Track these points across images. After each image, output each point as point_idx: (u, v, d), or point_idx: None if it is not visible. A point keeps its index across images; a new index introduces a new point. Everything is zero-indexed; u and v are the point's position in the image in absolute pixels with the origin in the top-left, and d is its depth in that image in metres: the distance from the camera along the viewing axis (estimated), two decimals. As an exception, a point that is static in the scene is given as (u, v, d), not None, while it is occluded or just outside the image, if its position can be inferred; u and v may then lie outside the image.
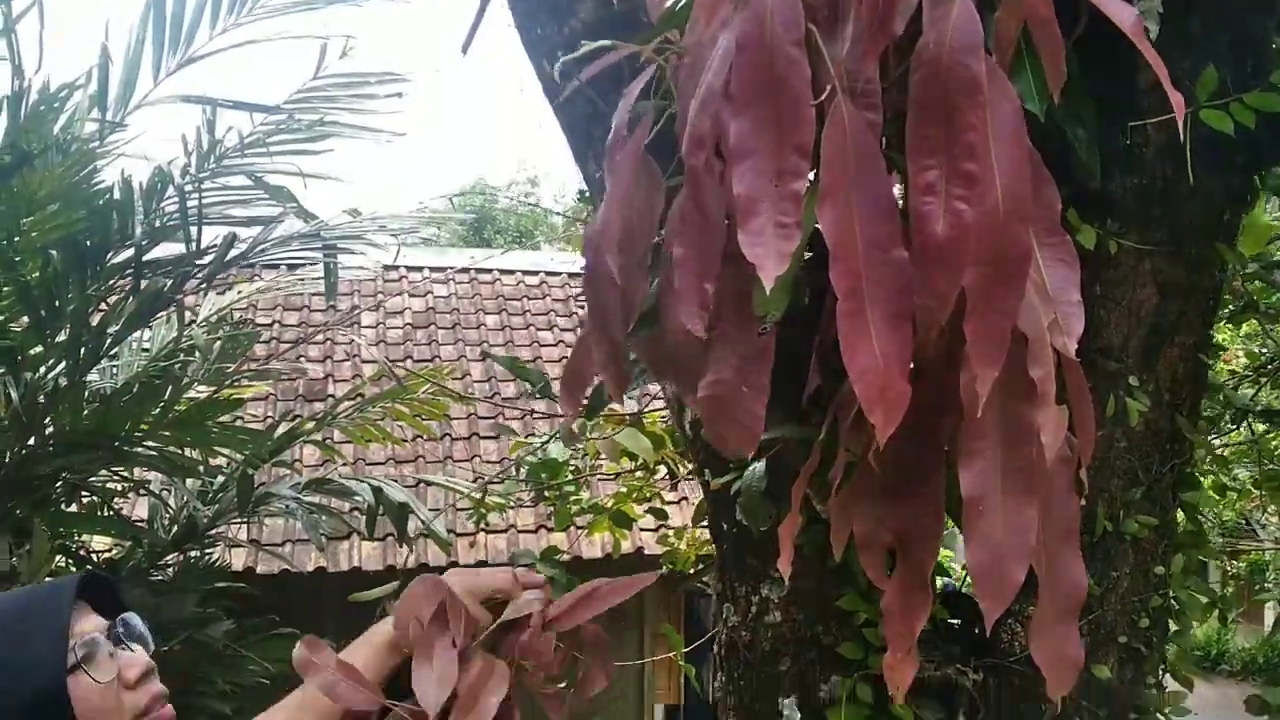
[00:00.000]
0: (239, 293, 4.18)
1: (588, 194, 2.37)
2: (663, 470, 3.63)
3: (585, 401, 1.20)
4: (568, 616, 1.23)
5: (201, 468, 3.37)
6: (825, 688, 1.59)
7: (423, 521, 3.47)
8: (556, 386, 1.24)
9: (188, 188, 3.08)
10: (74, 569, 3.22)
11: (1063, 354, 0.96)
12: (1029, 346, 0.95)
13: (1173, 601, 1.75)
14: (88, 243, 2.98)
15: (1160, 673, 1.75)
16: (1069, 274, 0.99)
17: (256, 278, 4.83)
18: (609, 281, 1.06)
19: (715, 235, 0.96)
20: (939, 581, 1.64)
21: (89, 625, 1.37)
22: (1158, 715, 1.70)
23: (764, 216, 0.89)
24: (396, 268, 9.21)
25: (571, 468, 3.65)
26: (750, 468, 1.36)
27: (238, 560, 6.09)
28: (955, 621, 1.65)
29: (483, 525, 5.95)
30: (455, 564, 3.37)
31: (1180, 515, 1.80)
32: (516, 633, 1.23)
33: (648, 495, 3.80)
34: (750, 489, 1.32)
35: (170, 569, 3.51)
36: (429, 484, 6.07)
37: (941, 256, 0.88)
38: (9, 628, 1.36)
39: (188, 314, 3.65)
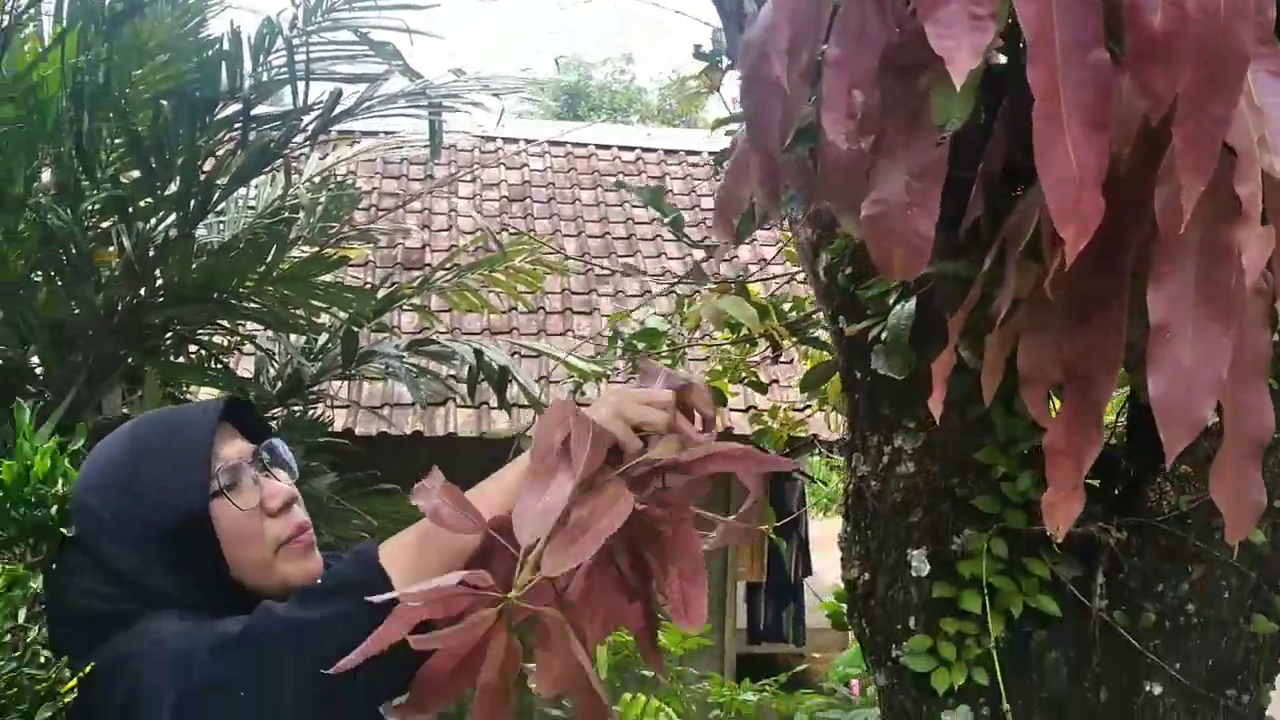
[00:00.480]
0: (341, 154, 4.19)
1: (703, 49, 2.29)
2: (761, 347, 3.58)
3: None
4: (700, 465, 1.17)
5: (305, 324, 3.41)
6: (958, 541, 1.55)
7: (521, 386, 3.48)
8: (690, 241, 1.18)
9: (295, 41, 3.05)
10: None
11: (1268, 173, 0.88)
12: (1236, 161, 0.87)
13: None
14: (196, 94, 2.99)
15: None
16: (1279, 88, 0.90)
17: (356, 144, 4.82)
18: (772, 88, 0.98)
19: (873, 38, 0.90)
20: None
21: (233, 450, 1.36)
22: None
23: (955, 6, 0.82)
24: (493, 139, 9.16)
25: (667, 342, 3.63)
26: (895, 309, 1.30)
27: (337, 421, 6.22)
28: (1094, 481, 1.58)
29: (571, 398, 5.98)
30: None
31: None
32: (657, 472, 1.18)
33: (742, 374, 3.76)
34: (897, 330, 1.27)
35: (275, 422, 3.58)
36: (524, 355, 6.11)
37: (1159, 52, 0.81)
38: (154, 450, 1.35)
39: (293, 173, 3.67)
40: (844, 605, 1.78)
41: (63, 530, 1.39)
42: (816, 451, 5.85)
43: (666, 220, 1.73)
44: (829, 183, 0.98)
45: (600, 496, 1.11)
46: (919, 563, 1.59)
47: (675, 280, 3.19)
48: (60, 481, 1.47)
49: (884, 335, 1.33)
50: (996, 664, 1.49)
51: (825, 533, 11.40)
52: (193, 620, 1.27)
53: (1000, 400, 1.15)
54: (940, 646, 1.55)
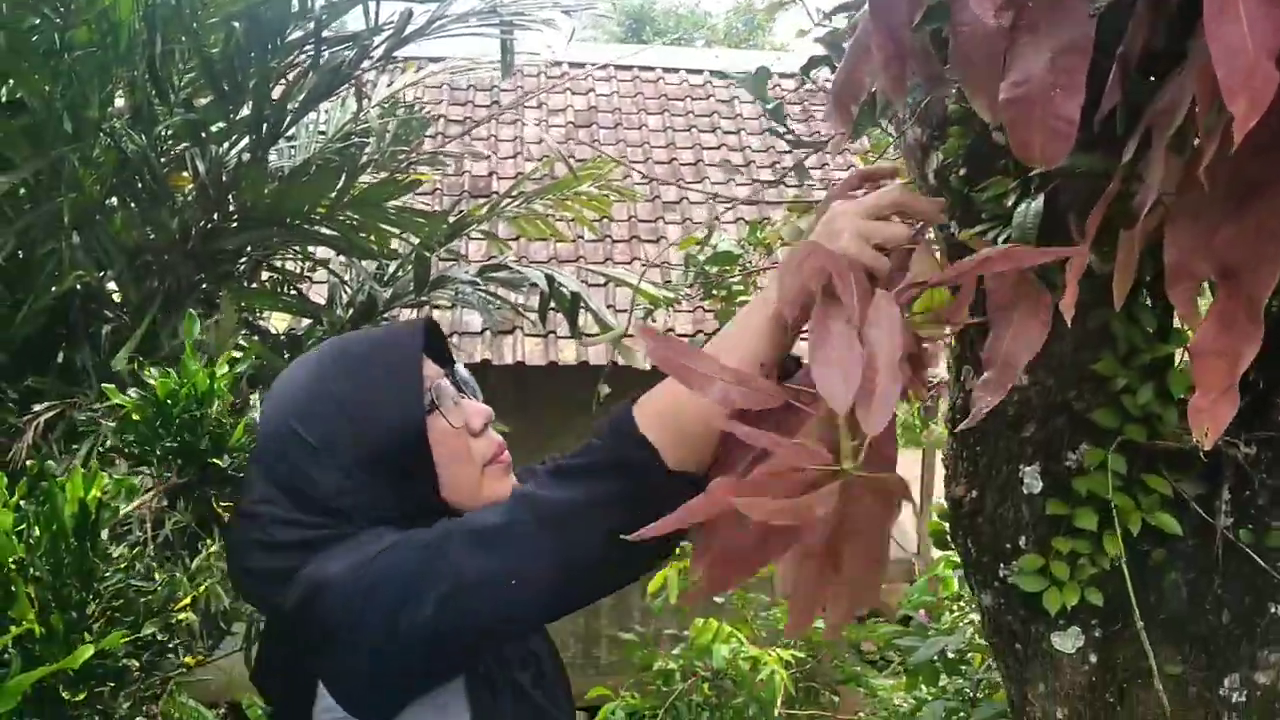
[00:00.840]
0: (409, 78, 4.14)
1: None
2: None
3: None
4: (968, 276, 1.09)
5: (377, 250, 3.40)
6: (1073, 456, 1.48)
7: (593, 312, 3.45)
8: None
9: (365, -41, 3.00)
10: (256, 341, 3.31)
11: None
12: None
13: None
14: (267, 15, 2.95)
15: None
16: None
17: (423, 69, 4.77)
18: None
19: None
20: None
21: (432, 371, 1.34)
22: None
23: None
24: (559, 64, 9.06)
25: (740, 264, 3.57)
26: (1020, 209, 1.23)
27: (406, 349, 6.27)
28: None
29: (645, 319, 5.95)
30: (615, 364, 3.36)
31: None
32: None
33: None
34: (1024, 230, 1.19)
35: (348, 348, 3.58)
36: (592, 284, 6.08)
37: None
38: (367, 370, 1.32)
39: (363, 97, 3.64)
40: (946, 524, 1.72)
41: (215, 460, 1.38)
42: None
43: (768, 107, 1.66)
44: (965, 63, 0.90)
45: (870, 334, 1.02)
46: (1031, 479, 1.51)
47: (742, 200, 3.10)
48: (216, 404, 1.46)
49: (1007, 238, 1.26)
50: (1127, 580, 1.43)
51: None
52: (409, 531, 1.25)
53: (1123, 307, 1.08)
54: (1053, 566, 1.49)
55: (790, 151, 8.08)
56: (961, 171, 1.44)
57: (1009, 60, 0.86)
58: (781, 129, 1.69)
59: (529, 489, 1.24)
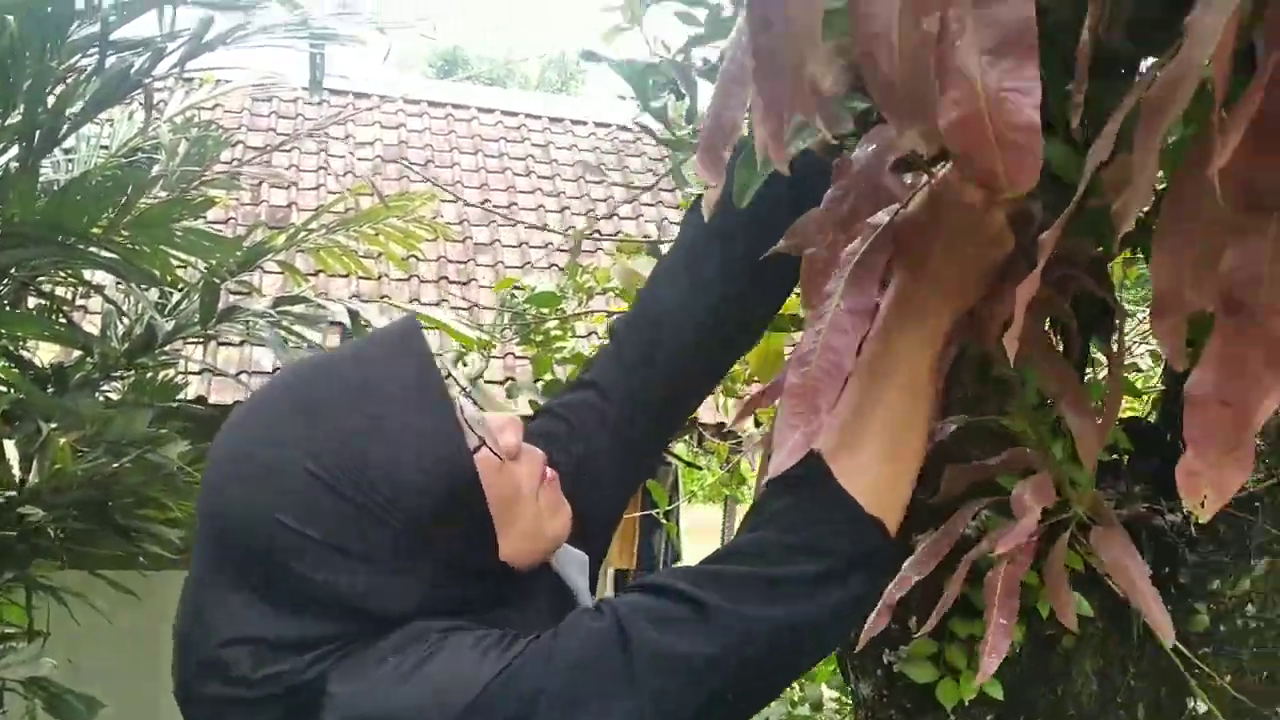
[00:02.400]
0: (208, 93, 3.85)
1: None
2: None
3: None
4: None
5: (161, 277, 3.10)
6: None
7: (399, 353, 3.23)
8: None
9: (162, -42, 2.74)
10: (16, 373, 2.97)
11: None
12: None
13: None
14: (49, 10, 2.65)
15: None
16: None
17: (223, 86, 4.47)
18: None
19: None
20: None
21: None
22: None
23: None
24: (369, 95, 8.77)
25: (559, 308, 3.42)
26: None
27: (191, 388, 5.85)
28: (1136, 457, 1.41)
29: (448, 373, 5.71)
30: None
31: None
32: None
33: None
34: None
35: (122, 384, 3.26)
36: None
37: None
38: (377, 407, 0.94)
39: (154, 110, 3.35)
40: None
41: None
42: (692, 436, 5.72)
43: (648, 108, 1.47)
44: (884, 90, 0.74)
45: None
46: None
47: (580, 235, 2.96)
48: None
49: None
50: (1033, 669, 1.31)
51: (696, 521, 11.36)
52: (503, 639, 0.90)
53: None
54: (948, 652, 1.34)
55: (606, 200, 8.01)
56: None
57: (940, 75, 0.70)
58: (663, 131, 1.51)
59: (720, 604, 0.91)
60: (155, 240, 2.91)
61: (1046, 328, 1.11)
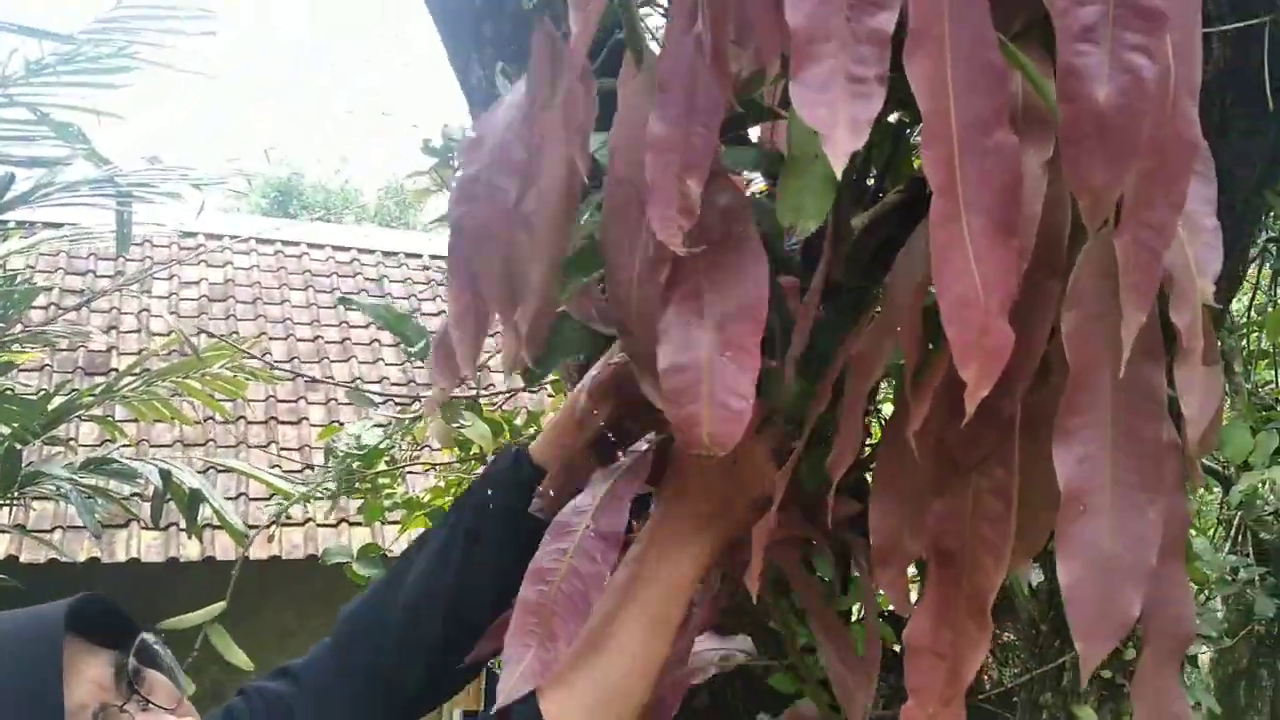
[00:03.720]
0: (14, 246, 3.72)
1: (432, 143, 2.10)
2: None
3: (461, 378, 0.91)
4: None
5: (-42, 440, 2.93)
6: None
7: (215, 510, 3.11)
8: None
9: (-40, 117, 2.66)
10: None
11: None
12: (1173, 285, 0.70)
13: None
14: None
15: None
16: (1207, 192, 0.75)
17: (33, 236, 4.32)
18: (506, 215, 0.78)
19: (710, 104, 0.69)
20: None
21: (88, 690, 0.93)
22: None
23: (830, 63, 0.62)
24: (194, 234, 8.59)
25: (386, 458, 3.37)
26: None
27: (0, 547, 5.52)
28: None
29: (274, 520, 5.53)
30: (246, 559, 3.01)
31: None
32: None
33: (467, 490, 3.54)
34: None
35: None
36: (222, 470, 5.62)
37: (1106, 133, 0.62)
38: None
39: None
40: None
41: None
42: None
43: (414, 350, 1.44)
44: (624, 333, 0.76)
45: None
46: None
47: (401, 398, 2.95)
48: None
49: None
50: None
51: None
52: None
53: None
54: None
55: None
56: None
57: (663, 328, 0.73)
58: (416, 357, 1.49)
59: None
60: (-50, 404, 2.77)
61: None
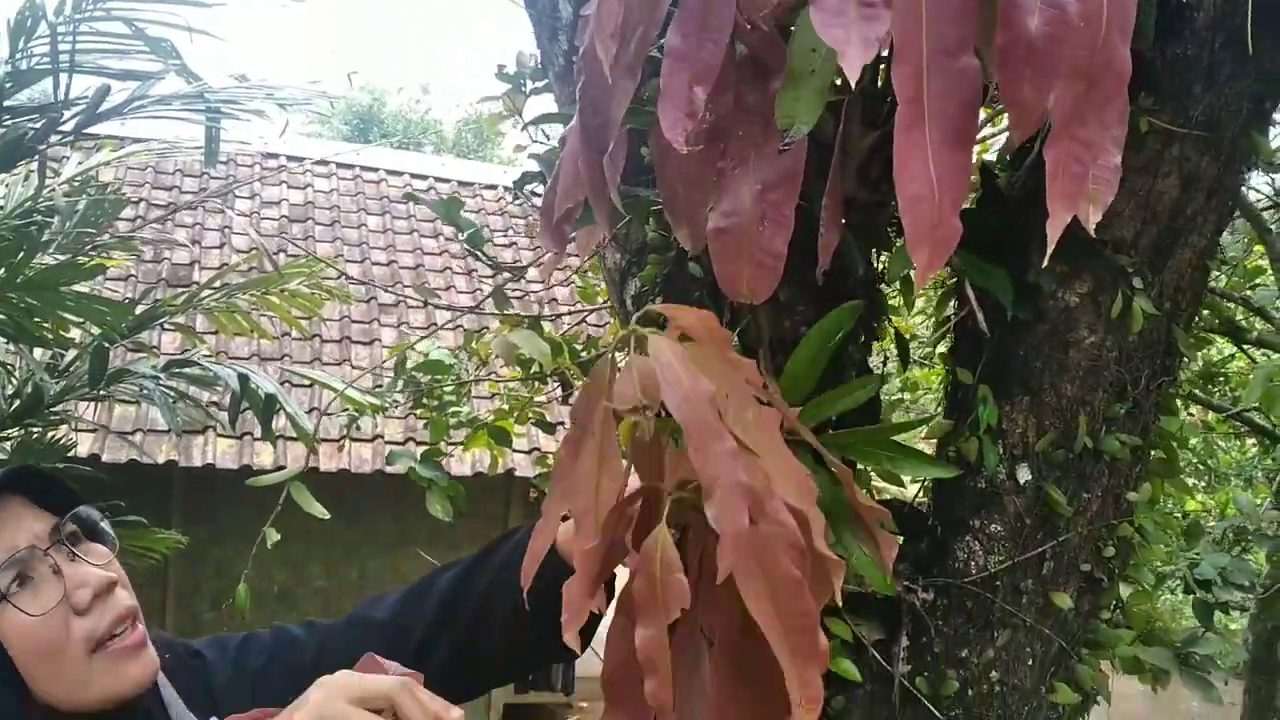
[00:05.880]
0: (105, 157, 3.87)
1: (506, 70, 2.18)
2: (550, 386, 3.48)
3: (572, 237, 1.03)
4: None
5: (52, 338, 3.10)
6: None
7: (289, 415, 3.26)
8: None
9: (62, 28, 2.78)
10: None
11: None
12: None
13: (1136, 534, 1.60)
14: (-60, 76, 2.68)
15: (1115, 608, 1.65)
16: (1116, 133, 0.81)
17: (123, 148, 4.48)
18: (599, 78, 0.87)
19: (719, 28, 0.80)
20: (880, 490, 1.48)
21: (23, 533, 1.07)
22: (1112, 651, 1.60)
23: None
24: (276, 156, 8.79)
25: (453, 377, 3.48)
26: None
27: (84, 446, 5.77)
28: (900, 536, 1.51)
29: (345, 433, 5.71)
30: (316, 470, 3.15)
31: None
32: None
33: (530, 414, 3.65)
34: None
35: (8, 444, 3.24)
36: (296, 384, 5.81)
37: (1033, 58, 0.72)
38: None
39: (49, 172, 3.36)
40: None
41: None
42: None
43: (463, 236, 1.56)
44: (669, 190, 0.89)
45: None
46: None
47: (464, 310, 3.05)
48: None
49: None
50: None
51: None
52: None
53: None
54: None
55: (514, 263, 8.10)
56: (658, 299, 1.43)
57: (718, 191, 0.85)
58: (481, 256, 1.61)
59: None
60: (46, 302, 2.92)
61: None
